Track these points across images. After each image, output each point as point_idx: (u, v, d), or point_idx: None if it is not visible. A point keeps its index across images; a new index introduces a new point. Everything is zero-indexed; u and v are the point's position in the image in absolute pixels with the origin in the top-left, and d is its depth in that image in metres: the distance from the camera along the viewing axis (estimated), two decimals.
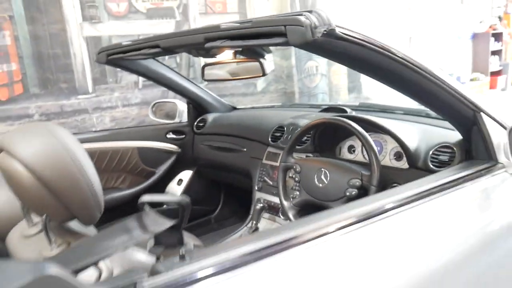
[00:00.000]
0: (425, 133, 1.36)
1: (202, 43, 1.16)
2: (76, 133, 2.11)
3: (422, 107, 1.38)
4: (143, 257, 0.64)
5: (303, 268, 0.68)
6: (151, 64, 1.89)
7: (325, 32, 0.79)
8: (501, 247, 1.00)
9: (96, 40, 3.42)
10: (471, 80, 7.72)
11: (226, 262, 0.62)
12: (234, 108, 2.36)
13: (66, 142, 0.70)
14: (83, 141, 1.26)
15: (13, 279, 0.47)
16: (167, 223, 0.68)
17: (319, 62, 4.82)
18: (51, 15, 3.20)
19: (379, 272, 0.75)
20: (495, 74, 8.46)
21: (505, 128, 1.13)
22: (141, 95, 3.61)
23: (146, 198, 0.73)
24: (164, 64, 1.92)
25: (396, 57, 0.95)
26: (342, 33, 0.81)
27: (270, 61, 1.49)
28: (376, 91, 5.60)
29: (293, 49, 4.57)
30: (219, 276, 0.60)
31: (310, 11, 0.82)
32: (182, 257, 0.59)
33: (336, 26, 0.80)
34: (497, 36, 8.34)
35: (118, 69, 3.51)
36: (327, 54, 0.94)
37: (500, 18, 8.60)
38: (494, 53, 8.30)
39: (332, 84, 5.21)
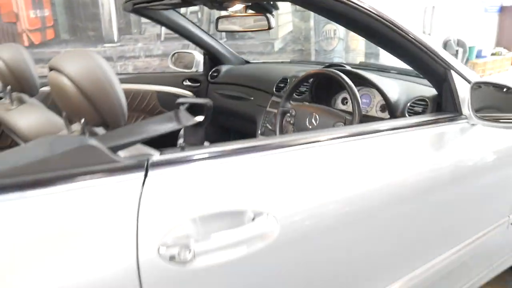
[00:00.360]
0: (407, 88, 1.54)
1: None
2: None
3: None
4: (153, 151, 0.86)
5: (277, 165, 0.89)
6: (173, 16, 2.08)
7: None
8: (448, 181, 1.20)
9: None
10: (493, 54, 7.65)
11: (221, 151, 0.85)
12: (247, 62, 2.55)
13: (101, 63, 0.91)
14: None
15: (64, 146, 0.70)
16: (195, 120, 0.90)
17: (338, 26, 4.90)
18: None
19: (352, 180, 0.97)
20: None
21: (470, 81, 1.30)
22: (163, 47, 3.80)
23: (181, 100, 0.94)
24: (185, 17, 2.12)
25: (378, 17, 1.09)
26: None
27: (275, 17, 1.67)
28: (393, 59, 5.67)
29: (311, 12, 4.66)
30: (213, 160, 0.82)
31: None
32: (182, 148, 0.82)
33: None
34: None
35: (143, 21, 3.71)
36: (319, 11, 1.12)
37: None
38: None
39: (350, 49, 5.30)
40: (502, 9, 8.06)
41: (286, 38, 4.65)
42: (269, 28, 1.63)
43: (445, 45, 6.99)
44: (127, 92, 1.99)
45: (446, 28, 6.89)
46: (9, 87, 1.35)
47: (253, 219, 0.80)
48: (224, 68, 2.42)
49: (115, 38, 3.53)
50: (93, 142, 0.72)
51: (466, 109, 1.31)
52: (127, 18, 3.58)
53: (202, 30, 2.29)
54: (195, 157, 0.81)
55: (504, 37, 8.10)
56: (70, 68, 0.91)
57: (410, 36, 1.17)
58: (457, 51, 6.88)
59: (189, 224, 0.74)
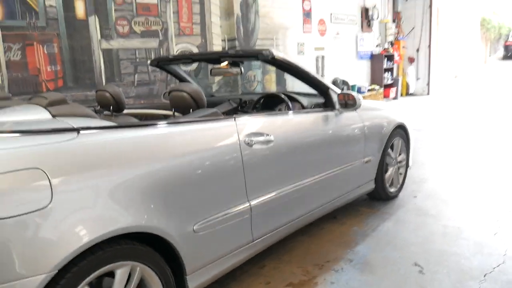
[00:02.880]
0: (310, 100, 3.20)
1: (218, 58, 2.90)
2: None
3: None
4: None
5: None
6: (177, 69, 3.59)
7: (271, 57, 2.58)
8: (327, 137, 2.86)
9: (108, 51, 4.97)
10: (369, 90, 10.02)
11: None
12: (212, 96, 4.08)
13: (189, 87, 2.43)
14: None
15: (206, 112, 2.22)
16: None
17: (257, 72, 6.68)
18: (81, 33, 4.72)
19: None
20: (388, 86, 10.90)
21: (336, 93, 2.99)
22: (136, 90, 5.19)
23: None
24: (187, 74, 3.63)
25: (296, 66, 2.74)
26: (275, 56, 2.60)
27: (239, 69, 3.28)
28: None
29: None
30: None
31: (267, 50, 2.60)
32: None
33: (275, 55, 2.59)
34: (389, 57, 10.79)
35: (122, 72, 5.09)
36: (274, 65, 2.74)
37: (392, 43, 11.07)
38: (386, 70, 10.73)
39: (266, 89, 7.08)
40: (372, 56, 10.58)
41: (220, 82, 6.26)
42: (241, 73, 3.20)
43: (334, 84, 9.15)
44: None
45: (333, 71, 9.06)
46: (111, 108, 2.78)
47: (270, 135, 2.34)
48: None
49: (104, 83, 4.86)
50: (213, 110, 2.24)
51: (336, 106, 2.99)
52: (111, 70, 4.95)
53: (189, 76, 3.82)
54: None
55: (375, 77, 10.59)
56: (186, 89, 2.40)
57: (312, 74, 2.85)
58: (342, 88, 9.06)
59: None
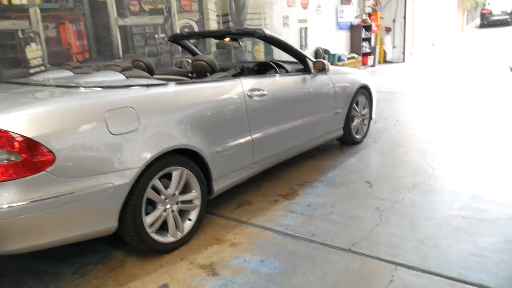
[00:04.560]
0: (293, 66, 4.22)
1: (223, 35, 3.91)
2: None
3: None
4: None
5: None
6: (189, 44, 4.56)
7: (263, 35, 3.58)
8: (304, 93, 3.91)
9: (123, 27, 5.86)
10: (348, 58, 11.02)
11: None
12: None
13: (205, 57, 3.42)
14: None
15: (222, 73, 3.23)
16: None
17: (248, 44, 7.63)
18: (102, 13, 5.60)
19: None
20: (366, 54, 11.91)
21: (312, 61, 4.01)
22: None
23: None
24: (194, 45, 4.59)
25: (281, 41, 3.75)
26: (267, 35, 3.61)
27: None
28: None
29: None
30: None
31: (260, 29, 3.60)
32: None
33: (266, 33, 3.59)
34: (367, 28, 11.75)
35: (135, 44, 6.01)
36: (265, 41, 3.74)
37: (370, 14, 12.01)
38: (364, 40, 11.72)
39: (255, 58, 8.04)
40: (352, 27, 11.54)
41: (216, 53, 7.19)
42: (239, 46, 4.19)
43: (316, 53, 10.13)
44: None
45: (315, 41, 10.03)
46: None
47: (264, 91, 3.37)
48: None
49: (121, 56, 5.80)
50: (225, 73, 3.26)
51: (312, 70, 4.02)
52: (126, 44, 5.87)
53: (197, 49, 4.77)
54: None
55: (354, 46, 11.58)
56: (205, 59, 3.40)
57: (294, 47, 3.87)
58: (324, 57, 10.04)
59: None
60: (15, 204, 2.09)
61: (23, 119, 2.16)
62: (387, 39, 12.84)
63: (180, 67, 4.87)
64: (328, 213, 3.17)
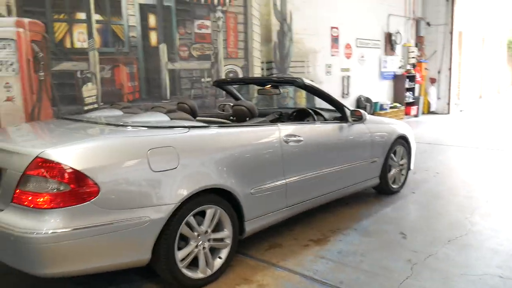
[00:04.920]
0: (330, 114, 4.32)
1: (264, 82, 4.11)
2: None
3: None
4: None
5: None
6: (232, 89, 4.79)
7: (302, 84, 3.74)
8: (341, 141, 3.98)
9: (172, 71, 6.24)
10: (391, 107, 11.01)
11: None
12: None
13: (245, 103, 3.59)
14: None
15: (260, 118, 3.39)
16: None
17: (290, 90, 7.85)
18: (153, 57, 6.01)
19: None
20: (410, 104, 11.86)
21: (349, 110, 4.11)
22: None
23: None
24: (237, 91, 4.82)
25: (320, 90, 3.89)
26: (306, 84, 3.76)
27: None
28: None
29: None
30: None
31: (300, 78, 3.77)
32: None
33: (305, 82, 3.75)
34: (411, 78, 11.78)
35: (182, 88, 6.35)
36: (304, 89, 3.89)
37: (414, 65, 12.06)
38: (408, 90, 11.72)
39: (297, 103, 8.23)
40: (395, 77, 11.60)
41: (258, 97, 7.43)
42: (280, 93, 4.35)
43: (358, 101, 10.22)
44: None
45: (358, 90, 10.15)
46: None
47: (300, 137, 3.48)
48: None
49: (168, 97, 6.13)
50: (263, 119, 3.41)
51: (349, 119, 4.11)
52: (174, 86, 6.21)
53: (240, 94, 4.99)
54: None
55: (397, 95, 11.59)
56: (245, 104, 3.57)
57: (332, 96, 4.00)
58: (365, 105, 10.11)
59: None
60: (59, 231, 2.26)
61: (73, 153, 2.37)
62: (432, 90, 12.76)
63: (223, 110, 5.08)
64: (359, 262, 3.15)
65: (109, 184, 2.38)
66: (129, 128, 2.76)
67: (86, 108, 5.33)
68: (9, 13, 4.69)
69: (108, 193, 2.37)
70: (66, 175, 2.29)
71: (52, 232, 2.25)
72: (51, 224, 2.26)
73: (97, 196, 2.33)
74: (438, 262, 3.12)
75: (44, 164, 2.30)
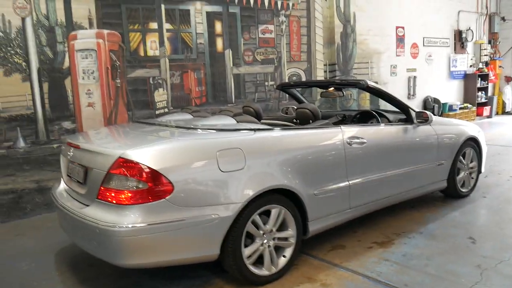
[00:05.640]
0: (395, 116, 4.28)
1: (327, 85, 4.15)
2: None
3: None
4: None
5: None
6: (294, 92, 4.88)
7: (366, 85, 3.75)
8: (405, 142, 3.93)
9: (237, 75, 6.45)
10: (461, 108, 10.53)
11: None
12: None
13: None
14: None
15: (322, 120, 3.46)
16: None
17: (353, 92, 7.79)
18: (219, 63, 6.26)
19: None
20: (482, 105, 11.28)
21: (415, 111, 4.05)
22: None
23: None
24: (298, 92, 4.91)
25: (384, 92, 3.88)
26: (369, 85, 3.77)
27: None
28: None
29: None
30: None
31: (364, 80, 3.79)
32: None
33: (369, 84, 3.76)
34: (484, 77, 11.20)
35: (247, 91, 6.54)
36: (367, 91, 3.90)
37: (487, 63, 11.44)
38: (480, 89, 11.15)
39: (360, 106, 8.14)
40: (466, 76, 11.08)
41: (321, 100, 7.46)
42: (343, 95, 4.37)
43: (425, 102, 9.90)
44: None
45: (425, 90, 9.83)
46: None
47: (364, 139, 3.50)
48: None
49: (233, 101, 6.34)
50: (326, 121, 3.47)
51: (414, 121, 4.06)
52: (238, 90, 6.41)
53: (303, 97, 5.07)
54: None
55: (468, 96, 11.06)
56: (309, 107, 3.65)
57: (396, 98, 3.97)
58: (433, 106, 9.77)
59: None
60: (138, 225, 2.48)
61: (151, 154, 2.58)
62: (507, 89, 12.04)
63: (286, 113, 5.19)
64: (424, 265, 3.11)
65: (182, 183, 2.57)
66: (199, 131, 2.94)
67: (157, 112, 5.67)
68: (90, 25, 5.12)
69: (181, 191, 2.56)
70: (144, 174, 2.50)
71: (132, 226, 2.47)
72: (131, 219, 2.48)
73: (171, 194, 2.53)
74: (510, 269, 3.01)
75: (126, 164, 2.53)
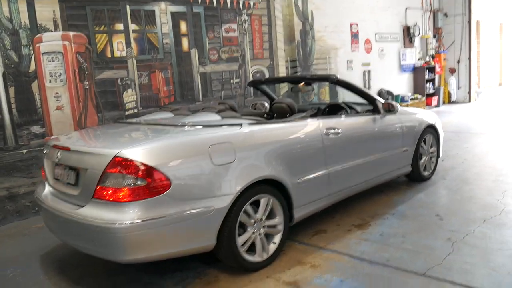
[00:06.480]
0: (362, 107, 4.55)
1: (299, 81, 4.36)
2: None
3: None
4: None
5: None
6: (265, 88, 5.05)
7: (337, 79, 3.99)
8: (375, 132, 4.21)
9: (203, 74, 6.54)
10: (412, 99, 11.15)
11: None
12: None
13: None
14: None
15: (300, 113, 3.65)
16: None
17: (314, 87, 8.09)
18: (186, 62, 6.33)
19: None
20: (430, 95, 11.97)
21: (381, 102, 4.34)
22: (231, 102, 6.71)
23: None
24: (268, 88, 5.09)
25: (352, 85, 4.14)
26: (339, 79, 4.01)
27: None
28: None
29: None
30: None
31: (334, 75, 4.02)
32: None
33: (339, 79, 4.00)
34: (431, 69, 11.89)
35: (213, 89, 6.64)
36: (337, 84, 4.14)
37: (433, 56, 12.16)
38: (428, 81, 11.83)
39: (321, 100, 8.45)
40: (414, 69, 11.72)
41: (284, 95, 7.67)
42: (313, 90, 4.62)
43: (380, 94, 10.38)
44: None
45: (379, 83, 10.31)
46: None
47: (339, 129, 3.73)
48: None
49: (201, 99, 6.43)
50: (303, 114, 3.67)
51: (381, 111, 4.34)
52: (205, 88, 6.51)
53: (272, 94, 5.24)
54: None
55: (417, 87, 11.72)
56: (285, 101, 3.83)
57: (364, 90, 4.24)
58: (387, 97, 10.27)
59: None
60: (138, 221, 2.56)
61: (146, 151, 2.66)
62: (452, 80, 12.83)
63: (255, 109, 5.35)
64: (400, 242, 3.39)
65: (179, 178, 2.67)
66: (188, 127, 3.05)
67: (127, 113, 5.66)
68: (56, 27, 5.04)
69: (178, 185, 2.66)
70: (141, 171, 2.58)
71: (133, 222, 2.54)
72: (131, 215, 2.55)
73: (169, 189, 2.62)
74: (476, 240, 3.34)
75: (122, 163, 2.60)
